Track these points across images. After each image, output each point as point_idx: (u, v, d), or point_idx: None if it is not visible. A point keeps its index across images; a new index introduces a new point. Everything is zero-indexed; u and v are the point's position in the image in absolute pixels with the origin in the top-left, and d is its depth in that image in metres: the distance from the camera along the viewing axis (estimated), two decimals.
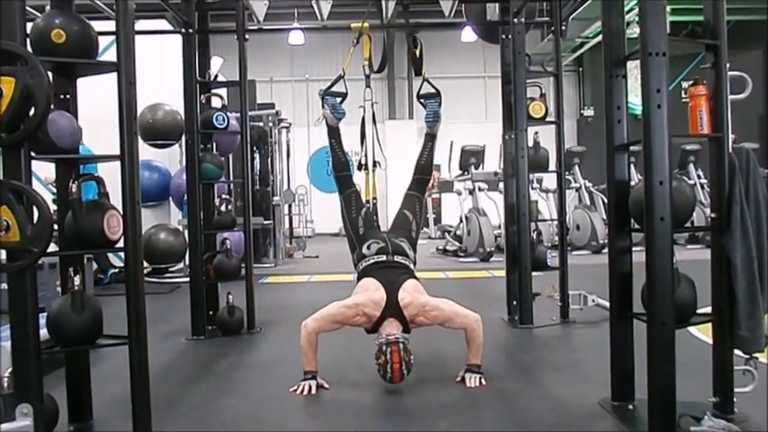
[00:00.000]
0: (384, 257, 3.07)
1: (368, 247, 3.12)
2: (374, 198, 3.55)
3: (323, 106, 3.34)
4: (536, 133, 4.31)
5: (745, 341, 2.22)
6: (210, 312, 4.22)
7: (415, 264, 3.18)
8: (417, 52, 3.57)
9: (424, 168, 3.42)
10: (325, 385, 2.85)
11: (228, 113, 4.31)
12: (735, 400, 2.27)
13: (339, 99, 3.36)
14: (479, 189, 8.97)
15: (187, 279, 4.27)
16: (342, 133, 3.36)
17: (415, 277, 3.04)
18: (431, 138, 3.44)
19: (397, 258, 3.08)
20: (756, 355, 2.26)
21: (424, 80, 3.47)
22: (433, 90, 3.43)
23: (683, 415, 2.15)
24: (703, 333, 3.28)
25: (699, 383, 2.31)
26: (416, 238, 3.31)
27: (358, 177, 3.49)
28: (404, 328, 2.84)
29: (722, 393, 2.27)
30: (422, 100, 3.46)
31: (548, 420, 2.43)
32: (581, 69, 16.56)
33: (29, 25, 2.16)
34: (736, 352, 2.28)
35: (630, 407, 2.43)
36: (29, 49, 2.09)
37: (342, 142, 3.37)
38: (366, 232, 3.23)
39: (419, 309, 2.86)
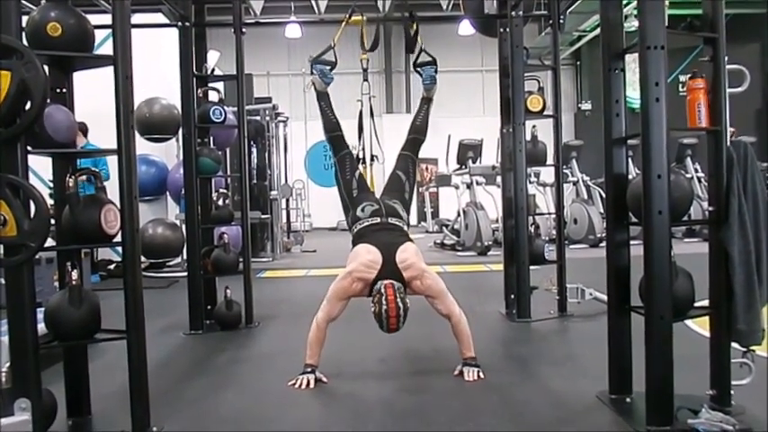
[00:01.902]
0: (378, 219, 3.08)
1: (362, 210, 3.13)
2: (372, 192, 3.55)
3: (311, 72, 3.33)
4: (534, 127, 4.32)
5: (743, 334, 2.23)
6: (208, 307, 4.23)
7: (408, 225, 3.20)
8: (413, 29, 3.56)
9: (419, 128, 3.42)
10: (324, 379, 2.86)
11: (225, 107, 4.30)
12: (732, 392, 2.27)
13: (328, 67, 3.35)
14: (477, 183, 8.96)
15: (185, 273, 4.26)
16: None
17: (412, 240, 3.06)
18: (427, 101, 3.45)
19: (392, 220, 3.09)
20: (753, 347, 2.27)
21: (421, 50, 3.45)
22: (429, 58, 3.43)
23: (681, 408, 2.16)
24: (701, 326, 3.29)
25: (696, 376, 2.32)
26: (410, 199, 3.32)
27: None
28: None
29: (719, 386, 2.28)
30: (419, 68, 3.46)
31: (546, 414, 2.44)
32: (579, 63, 16.54)
33: (24, 18, 2.15)
34: (734, 345, 2.29)
35: (628, 400, 2.43)
36: (24, 42, 2.08)
37: (331, 104, 3.35)
38: (360, 195, 3.23)
39: (418, 272, 2.87)
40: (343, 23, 3.44)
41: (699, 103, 2.27)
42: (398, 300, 2.69)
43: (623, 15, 2.51)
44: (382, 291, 2.72)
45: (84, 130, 5.80)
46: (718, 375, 2.29)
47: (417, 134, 3.42)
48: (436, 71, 3.41)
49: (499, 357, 3.27)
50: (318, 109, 3.36)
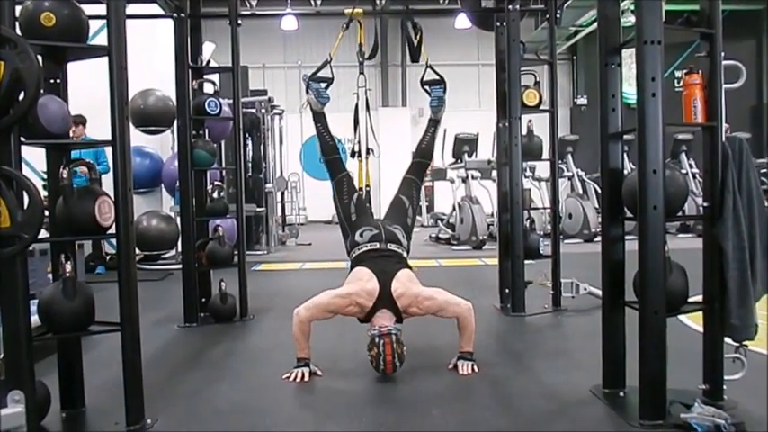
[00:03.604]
0: (377, 245, 3.05)
1: (361, 235, 3.11)
2: (367, 186, 3.55)
3: (307, 92, 3.30)
4: (530, 121, 4.31)
5: (736, 329, 2.24)
6: (203, 299, 4.22)
7: (408, 252, 3.17)
8: (416, 40, 3.53)
9: (425, 152, 3.41)
10: (319, 372, 2.86)
11: (221, 100, 4.28)
12: (724, 387, 2.29)
13: (324, 84, 3.32)
14: (472, 177, 8.98)
15: (179, 266, 4.25)
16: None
17: (409, 266, 3.03)
18: (434, 123, 3.43)
19: (391, 246, 3.06)
20: (746, 342, 2.29)
21: (428, 67, 3.44)
22: (436, 77, 3.41)
23: (674, 402, 2.17)
24: (694, 321, 3.31)
25: (689, 371, 2.34)
26: (412, 225, 3.30)
27: (351, 165, 3.47)
28: (396, 318, 2.85)
29: (712, 381, 2.30)
30: (426, 87, 3.44)
31: (539, 407, 2.45)
32: (575, 58, 16.55)
33: (18, 8, 2.13)
34: (727, 340, 2.30)
35: (621, 394, 2.44)
36: (18, 32, 2.06)
37: (328, 126, 3.33)
38: (359, 219, 3.21)
39: (412, 299, 2.86)
40: (341, 34, 3.42)
41: (695, 98, 2.27)
42: (396, 359, 2.70)
43: (620, 10, 2.51)
44: (381, 349, 2.69)
45: (83, 122, 5.78)
46: (711, 370, 2.31)
47: (423, 158, 3.41)
48: (445, 91, 3.37)
49: (493, 351, 3.28)
50: (315, 131, 3.32)
